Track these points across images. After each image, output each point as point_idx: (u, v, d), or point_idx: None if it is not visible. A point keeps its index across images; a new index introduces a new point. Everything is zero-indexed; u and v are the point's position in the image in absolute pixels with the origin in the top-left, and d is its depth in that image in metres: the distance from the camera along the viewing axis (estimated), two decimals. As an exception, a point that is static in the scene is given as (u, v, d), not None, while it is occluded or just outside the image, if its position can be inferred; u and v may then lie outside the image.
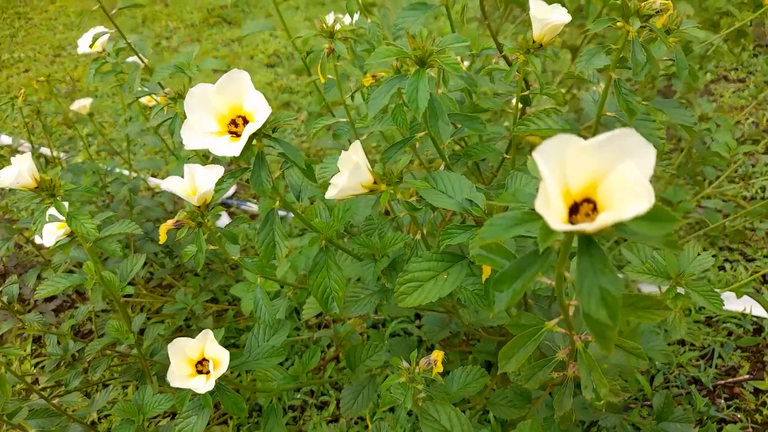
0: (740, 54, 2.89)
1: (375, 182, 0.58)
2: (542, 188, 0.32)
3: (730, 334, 1.46)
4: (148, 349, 1.15)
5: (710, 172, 1.30)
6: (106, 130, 2.43)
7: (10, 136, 2.50)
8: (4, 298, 1.09)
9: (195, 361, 0.69)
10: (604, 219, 0.32)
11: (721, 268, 1.66)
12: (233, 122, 0.59)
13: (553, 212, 0.32)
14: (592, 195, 0.35)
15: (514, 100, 0.80)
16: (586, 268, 0.35)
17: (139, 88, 1.04)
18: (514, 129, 0.69)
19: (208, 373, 0.69)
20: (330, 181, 0.59)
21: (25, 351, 1.58)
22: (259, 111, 0.56)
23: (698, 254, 0.75)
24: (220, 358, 0.67)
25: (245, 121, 0.59)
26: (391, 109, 0.75)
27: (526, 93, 0.77)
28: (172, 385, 0.68)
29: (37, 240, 1.06)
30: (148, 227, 1.70)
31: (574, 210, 0.35)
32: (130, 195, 1.68)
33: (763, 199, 1.85)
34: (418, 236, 0.66)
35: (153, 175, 2.24)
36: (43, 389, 1.15)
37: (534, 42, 0.70)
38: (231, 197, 2.14)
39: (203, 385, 0.68)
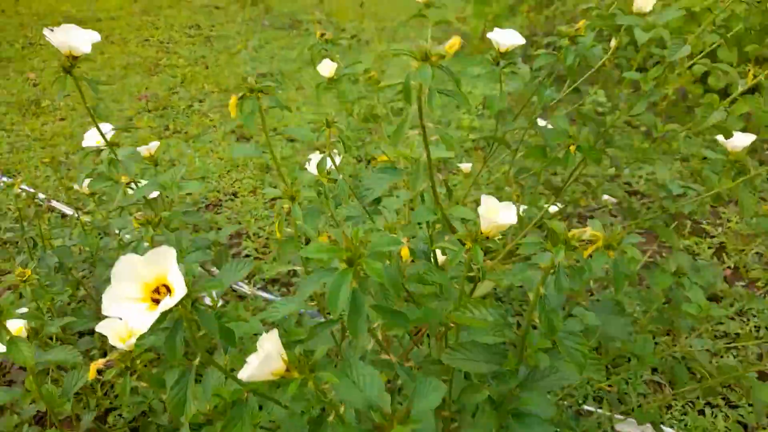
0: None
1: (287, 369, 0.59)
2: None
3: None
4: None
5: (684, 325, 1.28)
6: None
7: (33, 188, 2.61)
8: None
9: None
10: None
11: (701, 412, 1.61)
12: (157, 290, 0.63)
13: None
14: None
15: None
16: None
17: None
18: (452, 313, 0.71)
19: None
20: (246, 359, 0.61)
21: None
22: (177, 289, 0.60)
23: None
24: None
25: (168, 290, 0.62)
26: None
27: (472, 274, 0.79)
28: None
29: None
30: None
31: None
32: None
33: (757, 337, 1.80)
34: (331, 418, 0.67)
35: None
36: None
37: (482, 233, 0.73)
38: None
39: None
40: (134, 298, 0.61)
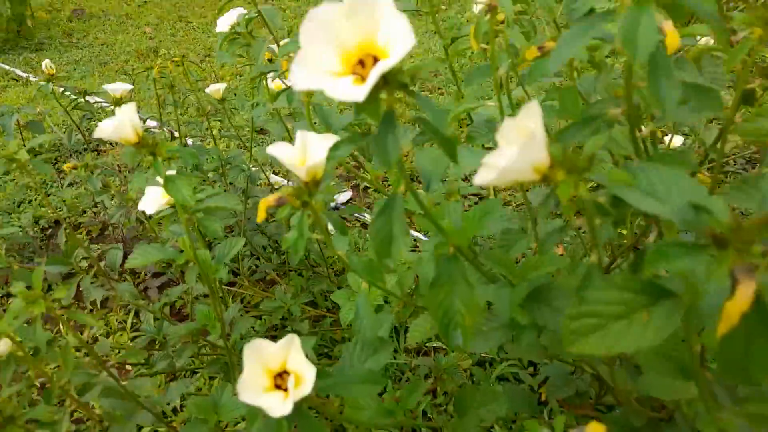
0: None
1: (552, 166, 0.40)
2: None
3: None
4: (236, 343, 1.06)
5: None
6: (235, 119, 2.45)
7: (150, 118, 2.63)
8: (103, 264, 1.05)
9: (274, 372, 0.55)
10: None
11: None
12: (361, 62, 0.45)
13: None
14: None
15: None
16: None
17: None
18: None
19: (287, 390, 0.55)
20: (482, 160, 0.43)
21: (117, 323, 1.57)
22: (397, 41, 0.41)
23: None
24: (304, 375, 0.52)
25: (376, 61, 0.44)
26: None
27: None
28: (241, 398, 0.53)
29: (143, 209, 1.00)
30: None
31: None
32: (247, 184, 1.63)
33: None
34: (594, 258, 0.46)
35: (275, 173, 2.22)
36: (129, 367, 1.10)
37: None
38: (345, 203, 2.04)
39: (279, 405, 0.53)
40: (332, 72, 0.44)
